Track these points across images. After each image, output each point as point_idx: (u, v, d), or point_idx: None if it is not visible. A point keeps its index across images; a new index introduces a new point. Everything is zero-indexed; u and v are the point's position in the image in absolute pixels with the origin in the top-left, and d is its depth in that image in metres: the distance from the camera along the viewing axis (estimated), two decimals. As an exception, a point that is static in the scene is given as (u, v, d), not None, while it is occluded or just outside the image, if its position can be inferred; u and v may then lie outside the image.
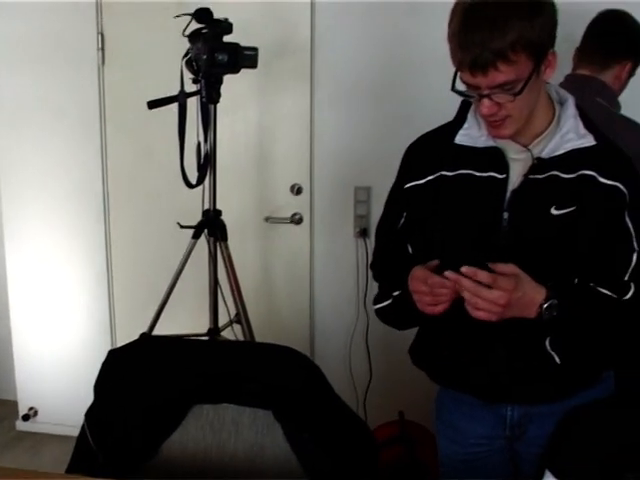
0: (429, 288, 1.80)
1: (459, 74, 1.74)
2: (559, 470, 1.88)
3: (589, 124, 1.88)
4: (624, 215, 1.83)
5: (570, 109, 1.88)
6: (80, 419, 2.02)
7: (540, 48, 1.69)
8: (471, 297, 1.73)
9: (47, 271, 4.04)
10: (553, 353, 1.89)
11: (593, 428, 1.91)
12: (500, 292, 1.71)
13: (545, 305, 1.78)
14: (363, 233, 3.69)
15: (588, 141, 1.84)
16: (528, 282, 1.77)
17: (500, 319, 1.76)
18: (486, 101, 1.73)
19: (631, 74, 2.96)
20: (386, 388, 3.78)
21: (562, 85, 2.79)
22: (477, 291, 1.72)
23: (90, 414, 2.02)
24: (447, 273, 1.74)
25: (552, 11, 1.72)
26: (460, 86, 1.78)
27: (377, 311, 2.12)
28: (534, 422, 2.02)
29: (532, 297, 1.78)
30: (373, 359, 3.77)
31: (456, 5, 1.72)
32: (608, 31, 2.92)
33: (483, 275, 1.71)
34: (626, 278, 1.86)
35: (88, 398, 2.04)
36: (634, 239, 1.85)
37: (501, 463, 2.11)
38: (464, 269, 1.71)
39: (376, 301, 2.12)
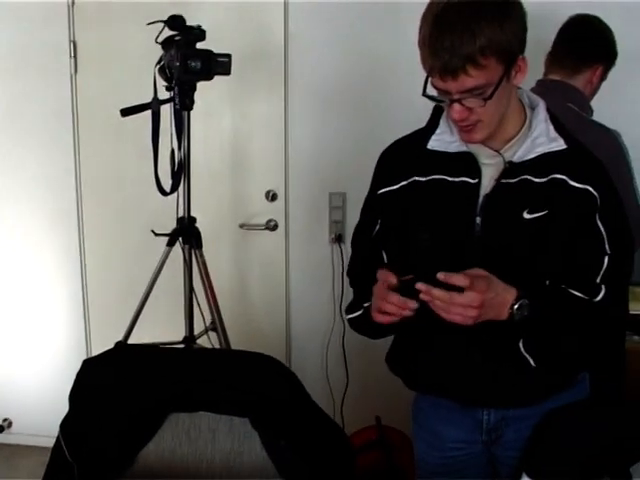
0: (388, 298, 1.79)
1: (430, 79, 1.74)
2: (536, 473, 1.89)
3: (560, 128, 1.89)
4: (595, 218, 1.84)
5: (541, 113, 1.89)
6: (55, 430, 2.01)
7: (510, 53, 1.70)
8: (445, 306, 1.73)
9: (20, 279, 4.01)
10: (527, 355, 1.89)
11: (569, 431, 1.93)
12: (474, 294, 1.71)
13: (516, 305, 1.78)
14: (338, 239, 3.70)
15: (559, 145, 1.85)
16: (498, 283, 1.78)
17: (476, 322, 1.76)
18: (457, 106, 1.74)
19: (602, 78, 2.98)
20: (363, 393, 3.79)
21: (533, 90, 2.81)
22: (451, 298, 1.72)
23: (65, 424, 2.00)
24: (418, 285, 1.73)
25: (522, 16, 1.73)
26: (431, 91, 1.78)
27: (349, 321, 2.11)
28: (510, 425, 2.02)
29: (504, 297, 1.78)
30: (349, 364, 3.77)
31: (426, 11, 1.73)
32: (579, 36, 2.93)
33: (458, 278, 1.71)
34: (598, 280, 1.87)
35: (63, 408, 2.03)
36: (606, 242, 1.85)
37: (479, 467, 2.11)
38: (440, 275, 1.71)
39: (348, 311, 2.12)
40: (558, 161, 1.84)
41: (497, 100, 1.73)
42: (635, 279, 2.00)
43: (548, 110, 1.92)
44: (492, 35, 1.64)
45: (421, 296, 1.74)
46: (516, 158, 1.85)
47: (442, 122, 1.94)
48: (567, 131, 1.90)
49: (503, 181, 1.85)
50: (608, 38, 2.94)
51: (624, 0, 3.30)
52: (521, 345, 1.88)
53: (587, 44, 2.92)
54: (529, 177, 1.84)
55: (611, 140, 2.81)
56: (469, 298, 1.72)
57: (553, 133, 1.87)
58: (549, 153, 1.84)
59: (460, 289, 1.72)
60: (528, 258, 1.86)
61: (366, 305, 1.98)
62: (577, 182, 1.83)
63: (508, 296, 1.79)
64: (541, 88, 2.87)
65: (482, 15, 1.65)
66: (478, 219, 1.87)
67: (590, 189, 1.83)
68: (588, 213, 1.84)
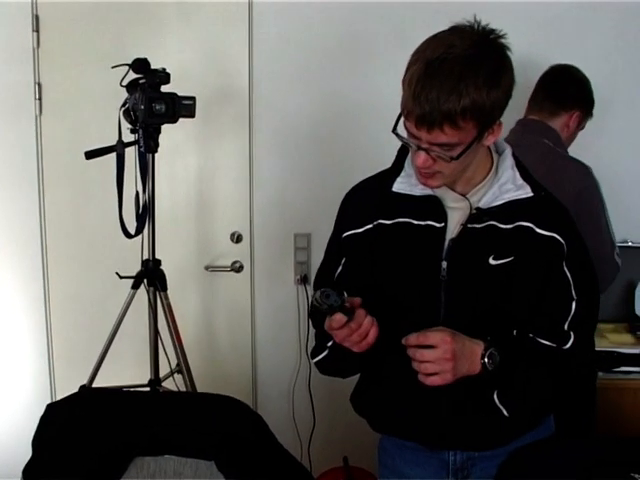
0: (350, 330, 1.78)
1: (404, 119, 1.73)
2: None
3: (526, 174, 1.90)
4: (562, 265, 1.86)
5: (508, 159, 1.90)
6: (18, 475, 1.98)
7: (489, 118, 1.70)
8: (419, 364, 1.75)
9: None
10: (501, 407, 1.89)
11: (533, 468, 1.93)
12: (442, 346, 1.73)
13: (486, 354, 1.79)
14: (304, 280, 3.70)
15: (525, 192, 1.86)
16: (462, 336, 1.79)
17: (455, 378, 1.77)
18: (423, 154, 1.73)
19: (579, 125, 3.12)
20: (330, 434, 3.77)
21: (513, 129, 2.94)
22: (421, 354, 1.74)
23: (28, 470, 1.98)
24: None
25: (510, 85, 1.73)
26: (402, 129, 1.77)
27: (316, 364, 2.09)
28: (477, 465, 2.02)
29: (472, 348, 1.79)
30: (316, 405, 3.75)
31: (421, 50, 1.70)
32: (559, 81, 3.11)
33: (411, 338, 1.74)
34: (566, 327, 1.88)
35: (26, 453, 2.00)
36: (572, 287, 1.87)
37: (445, 507, 2.10)
38: (403, 341, 1.75)
39: (313, 354, 2.09)
40: (524, 208, 1.85)
41: (463, 159, 1.73)
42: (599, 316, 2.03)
43: (514, 156, 1.93)
44: (478, 99, 1.63)
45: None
46: (483, 204, 1.85)
47: (407, 164, 1.94)
48: (533, 177, 1.92)
49: (469, 226, 1.85)
50: (586, 86, 3.10)
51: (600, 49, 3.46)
52: (495, 397, 1.88)
53: (566, 89, 3.09)
54: (495, 223, 1.85)
55: (585, 173, 2.93)
56: (440, 351, 1.73)
57: (519, 180, 1.87)
58: (516, 200, 1.85)
59: (429, 346, 1.74)
60: (494, 303, 1.86)
61: (329, 344, 1.96)
62: (543, 230, 1.85)
63: (476, 347, 1.80)
64: (520, 126, 3.05)
65: (473, 77, 1.63)
66: (444, 263, 1.87)
67: (557, 237, 1.85)
68: (555, 260, 1.86)
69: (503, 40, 1.72)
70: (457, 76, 1.62)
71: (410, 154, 1.88)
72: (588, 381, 2.89)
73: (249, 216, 3.71)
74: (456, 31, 1.71)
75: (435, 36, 1.72)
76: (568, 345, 1.88)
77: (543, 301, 1.88)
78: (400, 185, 1.93)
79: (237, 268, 3.73)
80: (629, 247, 3.46)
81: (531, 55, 3.15)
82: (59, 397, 2.14)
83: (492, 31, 1.71)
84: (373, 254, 1.95)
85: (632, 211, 3.54)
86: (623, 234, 3.42)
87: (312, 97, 3.60)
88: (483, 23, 1.72)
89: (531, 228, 1.85)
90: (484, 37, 1.70)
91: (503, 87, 1.69)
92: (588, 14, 3.47)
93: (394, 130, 1.77)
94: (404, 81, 1.70)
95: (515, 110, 3.07)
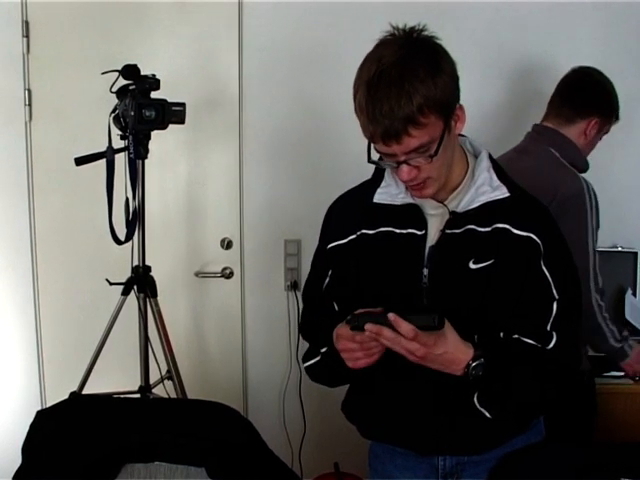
0: (358, 345, 1.80)
1: (374, 146, 1.77)
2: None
3: (502, 176, 1.92)
4: (540, 264, 1.86)
5: (484, 162, 1.92)
6: (8, 483, 1.98)
7: (447, 105, 1.72)
8: (391, 345, 1.74)
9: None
10: (483, 409, 1.89)
11: (525, 473, 1.93)
12: (418, 345, 1.72)
13: (472, 364, 1.79)
14: (294, 286, 3.71)
15: (502, 193, 1.87)
16: (454, 342, 1.78)
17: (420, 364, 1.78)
18: (404, 167, 1.76)
19: (601, 131, 3.01)
20: (321, 440, 3.77)
21: (529, 133, 2.91)
22: (397, 342, 1.73)
23: (18, 477, 1.97)
24: (367, 326, 1.73)
25: (452, 67, 1.76)
26: (375, 156, 1.81)
27: (307, 369, 2.10)
28: (467, 470, 2.02)
29: (456, 356, 1.79)
30: (307, 411, 3.75)
31: (357, 78, 1.77)
32: (577, 86, 3.00)
33: (406, 328, 1.71)
34: (548, 328, 1.87)
35: (16, 461, 1.99)
36: (553, 287, 1.87)
37: (436, 512, 2.10)
38: (391, 316, 1.71)
39: (305, 359, 2.10)
40: (501, 210, 1.86)
41: (442, 154, 1.75)
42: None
43: (491, 158, 1.94)
44: (427, 92, 1.66)
45: (367, 333, 1.74)
46: (460, 208, 1.86)
47: (387, 175, 1.96)
48: (510, 178, 1.93)
49: (448, 232, 1.87)
50: (605, 91, 2.99)
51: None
52: (475, 400, 1.88)
53: (582, 95, 2.97)
54: (473, 227, 1.86)
55: (576, 181, 2.83)
56: (413, 347, 1.73)
57: (496, 181, 1.89)
58: (492, 202, 1.86)
59: None
60: (477, 308, 1.86)
61: (323, 351, 1.98)
62: (520, 230, 1.85)
63: (462, 356, 1.79)
64: (533, 132, 3.00)
65: (414, 74, 1.67)
66: (425, 270, 1.88)
67: (533, 236, 1.85)
68: (533, 260, 1.86)
69: (426, 32, 1.77)
70: (398, 80, 1.67)
71: (393, 173, 1.90)
72: (588, 385, 2.90)
73: (239, 222, 3.71)
74: (380, 45, 1.77)
75: (365, 58, 1.78)
76: (551, 345, 1.88)
77: (524, 302, 1.87)
78: (381, 196, 1.96)
79: (227, 274, 3.73)
80: (619, 252, 3.48)
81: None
82: (49, 404, 2.13)
83: (412, 29, 1.76)
84: (358, 264, 1.96)
85: (622, 216, 3.55)
86: (613, 239, 3.43)
87: (302, 104, 3.61)
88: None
89: (508, 229, 1.86)
90: (407, 37, 1.75)
91: (446, 71, 1.73)
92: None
93: (369, 160, 1.81)
94: (355, 112, 1.77)
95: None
